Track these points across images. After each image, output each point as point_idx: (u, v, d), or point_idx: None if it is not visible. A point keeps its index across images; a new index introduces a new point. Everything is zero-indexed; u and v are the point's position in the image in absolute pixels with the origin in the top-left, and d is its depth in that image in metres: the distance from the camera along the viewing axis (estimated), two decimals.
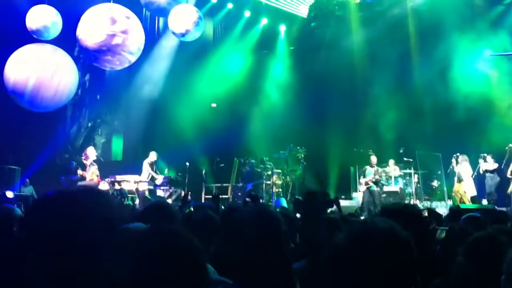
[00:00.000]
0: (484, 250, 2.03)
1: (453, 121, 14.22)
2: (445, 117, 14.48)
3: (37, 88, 11.14)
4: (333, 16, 17.06)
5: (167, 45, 15.88)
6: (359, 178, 14.17)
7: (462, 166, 13.11)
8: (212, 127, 15.39)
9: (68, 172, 12.94)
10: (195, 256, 1.51)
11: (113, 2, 11.15)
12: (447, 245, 2.61)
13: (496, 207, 10.35)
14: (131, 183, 12.37)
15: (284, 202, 11.43)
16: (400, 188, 13.71)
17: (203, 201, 13.83)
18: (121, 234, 1.58)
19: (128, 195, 11.79)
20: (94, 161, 12.61)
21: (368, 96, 16.05)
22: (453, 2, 14.78)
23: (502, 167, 12.75)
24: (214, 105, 16.55)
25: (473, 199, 12.74)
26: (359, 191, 13.90)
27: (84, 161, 12.56)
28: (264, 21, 17.66)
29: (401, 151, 14.00)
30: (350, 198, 14.78)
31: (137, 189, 12.29)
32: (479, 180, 13.24)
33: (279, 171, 15.04)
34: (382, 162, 14.16)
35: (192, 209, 6.12)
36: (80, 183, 12.55)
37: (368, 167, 13.67)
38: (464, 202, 12.29)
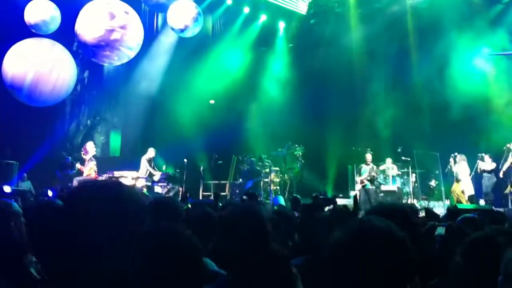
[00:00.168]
0: (482, 250, 2.04)
1: (451, 119, 14.22)
2: (444, 115, 14.47)
3: (35, 83, 11.12)
4: (332, 13, 17.05)
5: (166, 41, 15.84)
6: (356, 177, 14.19)
7: (460, 166, 13.09)
8: (210, 123, 15.39)
9: (63, 167, 12.94)
10: (194, 254, 1.52)
11: None
12: (446, 244, 2.62)
13: (493, 207, 10.35)
14: (129, 179, 12.36)
15: (282, 200, 11.43)
16: (398, 187, 13.69)
17: (200, 198, 13.83)
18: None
19: None
20: (93, 156, 12.61)
21: (367, 94, 16.06)
22: (452, 0, 14.78)
23: (500, 167, 12.76)
24: (212, 102, 16.53)
25: (471, 199, 12.73)
26: (356, 189, 13.92)
27: (84, 156, 12.56)
28: (263, 17, 17.64)
29: (399, 150, 13.98)
30: (348, 197, 14.76)
31: (134, 186, 12.29)
32: (477, 180, 13.25)
33: (277, 168, 15.04)
34: (379, 161, 14.17)
35: (189, 206, 6.14)
36: (77, 178, 12.57)
37: (363, 165, 13.67)
38: (461, 202, 12.28)
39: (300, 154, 15.18)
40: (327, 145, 15.98)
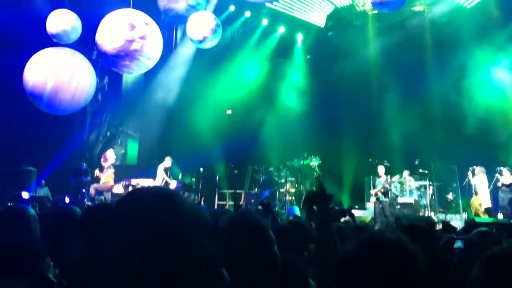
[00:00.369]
0: (501, 265, 2.01)
1: (468, 132, 14.05)
2: (461, 128, 14.31)
3: (55, 91, 11.26)
4: (350, 25, 17.04)
5: (184, 52, 16.00)
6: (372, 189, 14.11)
7: (478, 178, 12.93)
8: (227, 133, 15.44)
9: (77, 174, 13.05)
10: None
11: (132, 8, 11.27)
12: (464, 257, 2.59)
13: (511, 221, 10.19)
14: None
15: (297, 211, 11.41)
16: (415, 200, 13.59)
17: (216, 207, 13.85)
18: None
19: None
20: (112, 164, 12.72)
21: (384, 106, 15.97)
22: (472, 14, 14.72)
23: None
24: (229, 112, 16.60)
25: (488, 211, 12.56)
26: (371, 201, 13.84)
27: (103, 163, 12.68)
28: (281, 29, 17.74)
29: (416, 162, 13.88)
30: (364, 208, 14.68)
31: None
32: (494, 193, 13.07)
33: (293, 179, 15.02)
34: (396, 173, 14.07)
35: None
36: (94, 185, 12.68)
37: (378, 178, 13.60)
38: (479, 215, 12.12)
39: (316, 165, 15.14)
40: (343, 157, 15.92)
